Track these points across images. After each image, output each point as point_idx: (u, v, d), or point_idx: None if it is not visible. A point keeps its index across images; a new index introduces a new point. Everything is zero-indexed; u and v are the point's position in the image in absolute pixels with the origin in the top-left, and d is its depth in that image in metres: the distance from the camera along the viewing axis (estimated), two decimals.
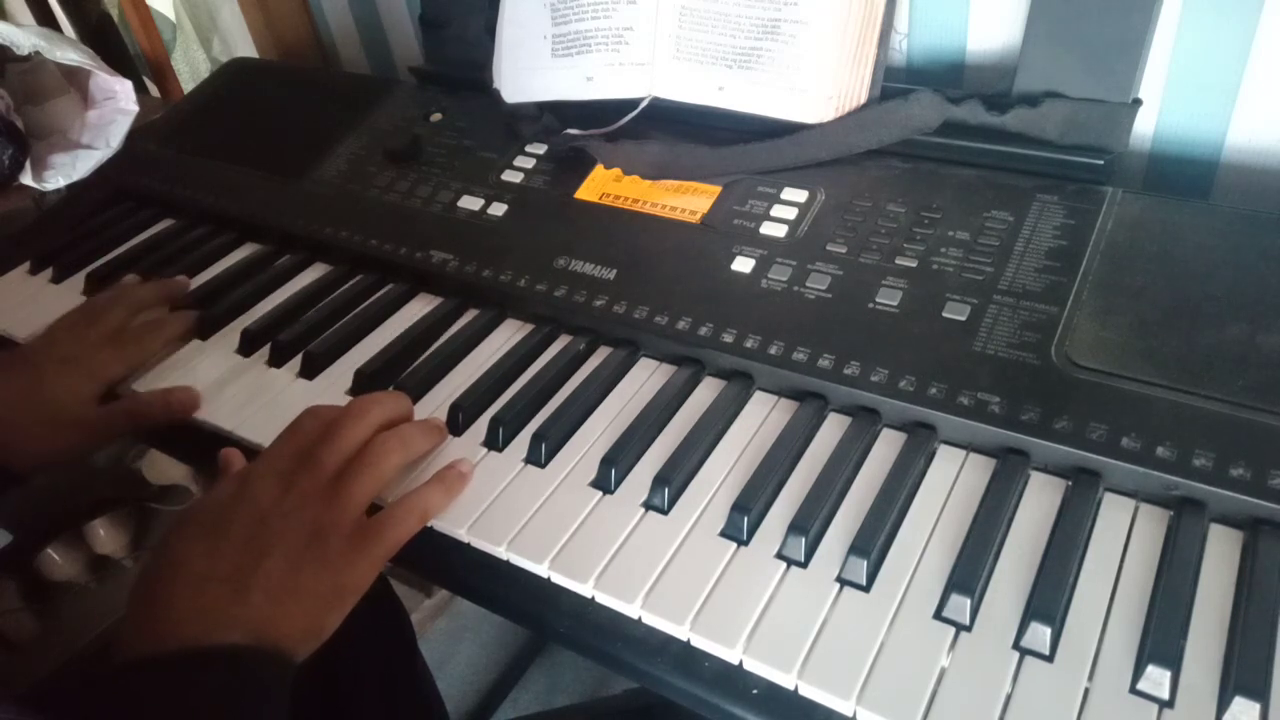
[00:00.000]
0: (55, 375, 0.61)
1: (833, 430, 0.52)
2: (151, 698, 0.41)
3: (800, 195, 0.63)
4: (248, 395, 0.61)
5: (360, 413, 0.51)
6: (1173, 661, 0.38)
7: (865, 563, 0.44)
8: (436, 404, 0.57)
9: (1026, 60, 0.60)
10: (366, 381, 0.60)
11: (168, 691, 0.41)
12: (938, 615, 0.42)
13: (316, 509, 0.47)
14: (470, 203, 0.71)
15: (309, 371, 0.62)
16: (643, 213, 0.66)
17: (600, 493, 0.50)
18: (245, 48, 1.14)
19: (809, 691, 0.40)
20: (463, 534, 0.49)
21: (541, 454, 0.52)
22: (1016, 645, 0.40)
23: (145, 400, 0.60)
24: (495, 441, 0.54)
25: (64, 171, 0.97)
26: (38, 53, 0.99)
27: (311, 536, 0.46)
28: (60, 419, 0.60)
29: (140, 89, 1.14)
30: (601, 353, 0.60)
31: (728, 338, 0.56)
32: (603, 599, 0.45)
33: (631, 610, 0.45)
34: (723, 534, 0.47)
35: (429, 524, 0.50)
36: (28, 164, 0.97)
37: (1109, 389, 0.47)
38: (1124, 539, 0.44)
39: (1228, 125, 0.61)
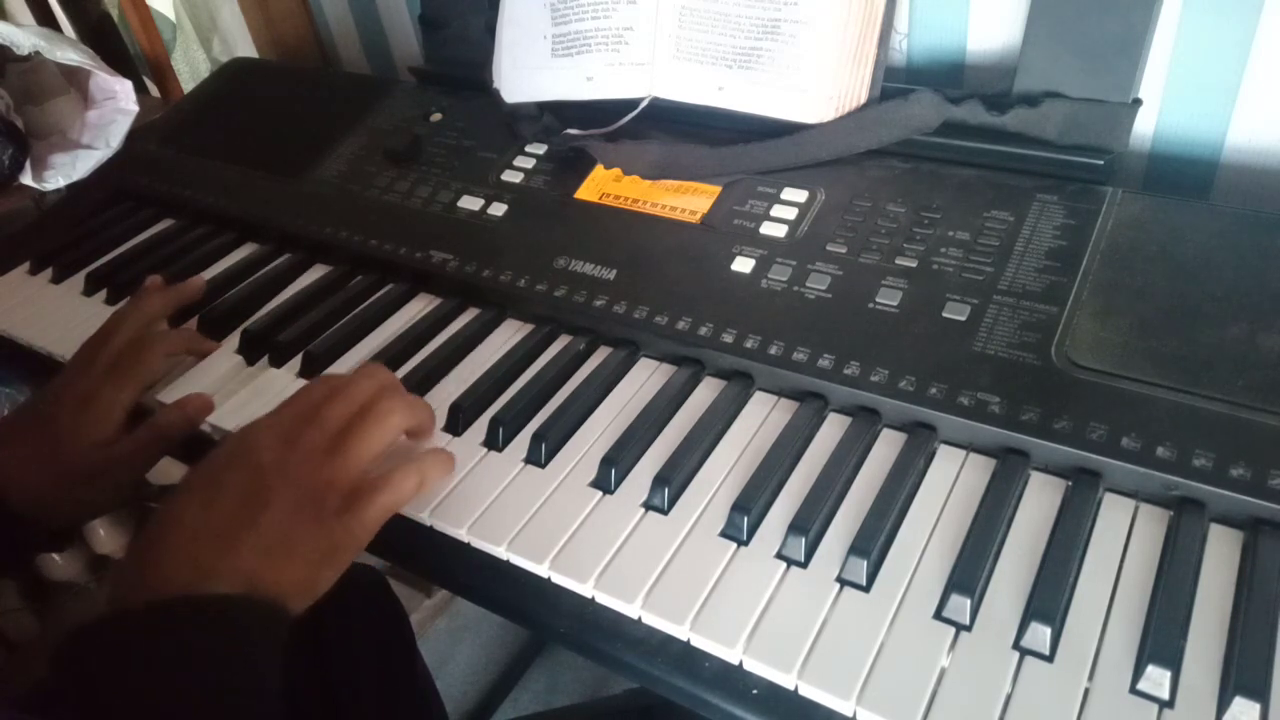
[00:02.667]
0: (70, 429, 0.57)
1: (833, 430, 0.52)
2: (140, 644, 0.41)
3: (800, 195, 0.63)
4: (248, 395, 0.61)
5: (368, 373, 0.51)
6: (1173, 661, 0.38)
7: (865, 563, 0.44)
8: (436, 404, 0.57)
9: (1026, 60, 0.60)
10: None
11: (157, 637, 0.41)
12: (938, 615, 0.42)
13: (316, 465, 0.47)
14: (470, 203, 0.71)
15: (309, 371, 0.62)
16: (643, 213, 0.66)
17: (600, 493, 0.50)
18: (245, 48, 1.13)
19: (809, 691, 0.40)
20: (463, 534, 0.49)
21: (541, 454, 0.52)
22: (1016, 645, 0.40)
23: (165, 421, 0.59)
24: (495, 441, 0.54)
25: (64, 171, 0.97)
26: (38, 53, 0.99)
27: (308, 493, 0.46)
28: (87, 469, 0.57)
29: (140, 89, 1.14)
30: (601, 353, 0.60)
31: (728, 338, 0.56)
32: (603, 599, 0.45)
33: (631, 610, 0.45)
34: (723, 534, 0.47)
35: (429, 524, 0.50)
36: (28, 164, 0.97)
37: (1109, 389, 0.47)
38: (1124, 539, 0.44)
39: (1228, 125, 0.61)
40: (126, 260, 0.77)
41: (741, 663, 0.42)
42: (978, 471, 0.49)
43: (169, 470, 1.23)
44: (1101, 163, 0.58)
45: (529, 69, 0.74)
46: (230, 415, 0.59)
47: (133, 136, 1.00)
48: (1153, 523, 0.45)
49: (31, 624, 1.15)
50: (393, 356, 0.61)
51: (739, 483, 0.49)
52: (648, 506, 0.49)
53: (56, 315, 0.72)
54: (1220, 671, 0.39)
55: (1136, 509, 0.46)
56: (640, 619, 0.45)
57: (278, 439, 0.47)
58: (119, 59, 1.22)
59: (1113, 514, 0.45)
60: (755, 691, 0.41)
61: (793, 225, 0.61)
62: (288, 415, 0.49)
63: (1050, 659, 0.40)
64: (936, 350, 0.52)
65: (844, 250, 0.58)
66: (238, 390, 0.61)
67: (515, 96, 0.75)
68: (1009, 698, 0.39)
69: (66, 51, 0.99)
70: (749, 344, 0.55)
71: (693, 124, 0.70)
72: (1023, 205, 0.57)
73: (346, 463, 0.47)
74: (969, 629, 0.41)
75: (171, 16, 1.15)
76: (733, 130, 0.67)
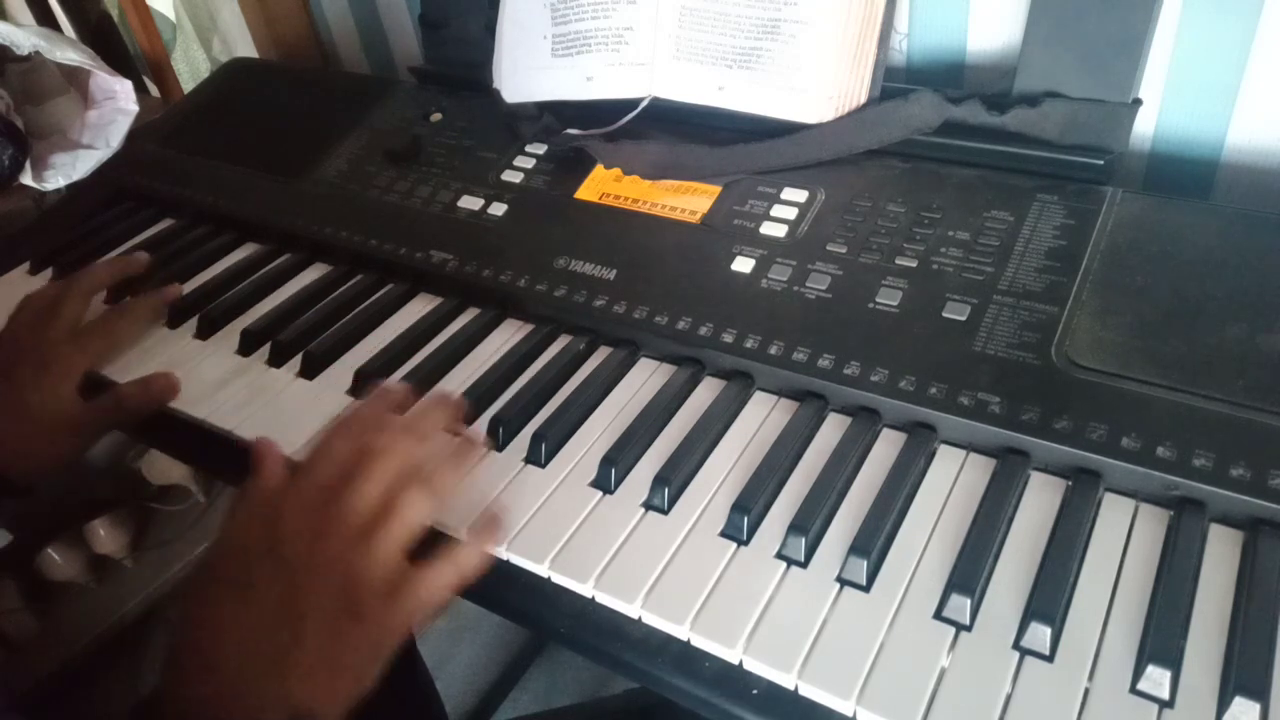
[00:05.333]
0: (32, 381, 0.61)
1: (833, 430, 0.52)
2: None
3: (800, 195, 0.63)
4: (248, 395, 0.61)
5: (388, 451, 0.47)
6: (1173, 661, 0.38)
7: (865, 563, 0.44)
8: None
9: (1026, 60, 0.60)
10: (366, 382, 0.59)
11: None
12: (938, 615, 0.42)
13: (346, 565, 0.45)
14: (470, 203, 0.71)
15: (309, 371, 0.62)
16: (643, 213, 0.66)
17: (600, 493, 0.50)
18: (245, 48, 1.13)
19: (809, 691, 0.40)
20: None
21: (541, 454, 0.52)
22: (1016, 645, 0.40)
23: (126, 392, 0.61)
24: (495, 441, 0.54)
25: (64, 171, 0.97)
26: (38, 53, 0.99)
27: (344, 596, 0.44)
28: (46, 424, 0.61)
29: (140, 89, 1.14)
30: (601, 353, 0.60)
31: (728, 338, 0.56)
32: (603, 599, 0.45)
33: (632, 610, 0.45)
34: (723, 534, 0.47)
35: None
36: (28, 164, 0.97)
37: (1109, 389, 0.47)
38: (1124, 539, 0.44)
39: (1228, 125, 0.61)
40: None
41: (741, 663, 0.42)
42: (978, 471, 0.49)
43: (168, 470, 1.23)
44: (1101, 163, 0.58)
45: (529, 69, 0.74)
46: (229, 415, 0.59)
47: (133, 136, 1.00)
48: (1153, 523, 0.45)
49: (31, 624, 1.15)
50: (393, 356, 0.61)
51: (739, 483, 0.49)
52: (648, 506, 0.49)
53: None
54: (1220, 671, 0.39)
55: (1136, 509, 0.46)
56: (640, 619, 0.45)
57: (303, 527, 0.45)
58: (119, 59, 1.22)
59: (1113, 514, 0.45)
60: (755, 691, 0.41)
61: (793, 225, 0.61)
62: (313, 489, 0.47)
63: (1050, 659, 0.40)
64: (936, 350, 0.52)
65: (844, 250, 0.58)
66: (237, 390, 0.61)
67: (515, 96, 0.75)
68: (1009, 698, 0.39)
69: (66, 51, 0.99)
70: (749, 344, 0.55)
71: (693, 124, 0.70)
72: (1023, 205, 0.57)
73: (375, 560, 0.45)
74: (969, 629, 0.41)
75: (171, 16, 1.15)
76: (733, 130, 0.67)
